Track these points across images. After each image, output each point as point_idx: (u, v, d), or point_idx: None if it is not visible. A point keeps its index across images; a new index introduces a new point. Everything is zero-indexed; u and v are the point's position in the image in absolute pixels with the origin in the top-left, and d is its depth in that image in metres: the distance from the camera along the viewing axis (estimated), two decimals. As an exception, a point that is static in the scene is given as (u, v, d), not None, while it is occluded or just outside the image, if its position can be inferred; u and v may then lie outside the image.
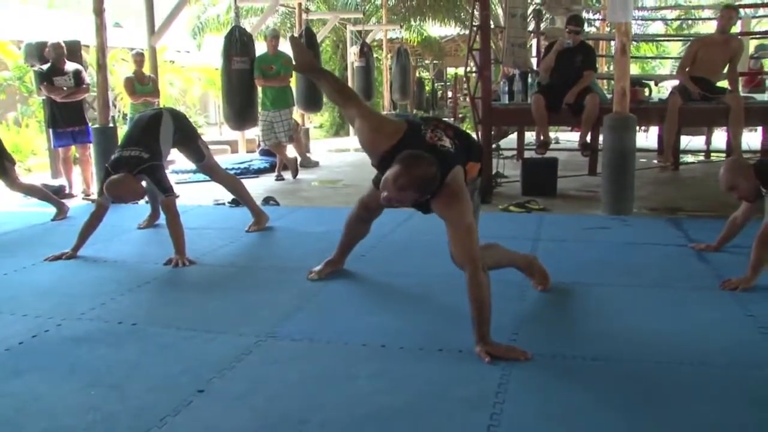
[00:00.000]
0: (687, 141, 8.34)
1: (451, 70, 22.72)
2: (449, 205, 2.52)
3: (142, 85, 7.43)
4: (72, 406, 2.13)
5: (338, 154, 10.88)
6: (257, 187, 6.86)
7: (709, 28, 11.17)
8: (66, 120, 6.63)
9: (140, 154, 3.94)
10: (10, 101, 12.25)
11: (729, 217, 3.78)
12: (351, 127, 14.10)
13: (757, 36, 10.62)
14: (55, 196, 5.64)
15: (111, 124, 6.60)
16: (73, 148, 6.87)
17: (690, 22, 16.02)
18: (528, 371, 2.33)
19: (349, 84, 14.34)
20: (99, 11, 6.38)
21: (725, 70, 6.07)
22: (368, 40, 14.48)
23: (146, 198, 4.78)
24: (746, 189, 3.32)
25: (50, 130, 6.88)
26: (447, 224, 2.54)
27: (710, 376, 2.29)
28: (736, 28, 7.47)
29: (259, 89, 7.64)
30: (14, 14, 14.36)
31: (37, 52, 7.31)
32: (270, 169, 8.10)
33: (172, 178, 4.91)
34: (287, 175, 7.65)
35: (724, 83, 6.16)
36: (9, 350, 2.60)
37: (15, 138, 10.18)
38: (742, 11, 7.96)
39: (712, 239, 3.88)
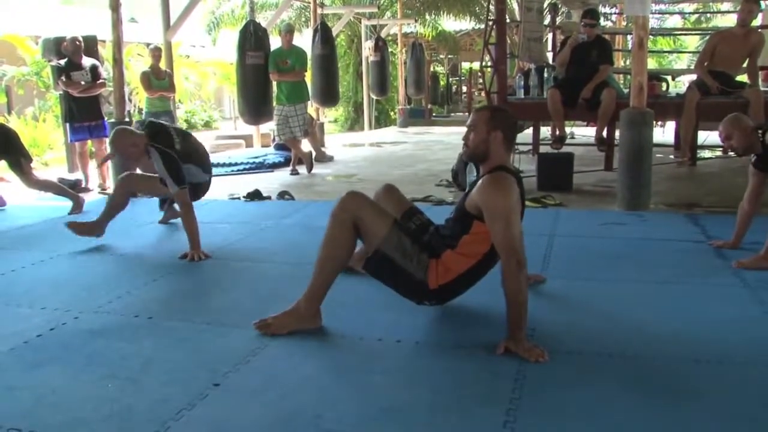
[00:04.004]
0: (705, 136, 8.25)
1: (465, 65, 22.66)
2: (488, 185, 2.49)
3: (158, 79, 7.47)
4: (89, 398, 2.14)
5: (353, 149, 10.88)
6: (272, 182, 6.88)
7: (728, 21, 11.02)
8: (82, 114, 6.69)
9: (175, 142, 4.02)
10: (28, 96, 12.38)
11: (742, 231, 3.79)
12: (366, 123, 13.96)
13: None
14: (71, 190, 5.68)
15: (127, 119, 6.64)
16: (89, 142, 6.93)
17: (708, 15, 15.83)
18: (544, 367, 2.31)
19: (364, 79, 14.36)
20: (115, 6, 6.42)
21: (745, 64, 6.00)
22: (383, 34, 14.46)
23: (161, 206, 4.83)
24: (739, 140, 3.47)
25: (67, 125, 6.94)
26: (484, 212, 2.48)
27: (728, 374, 2.27)
28: (757, 21, 7.37)
29: (274, 84, 7.65)
30: (31, 10, 14.47)
31: (55, 47, 7.38)
32: (285, 164, 8.11)
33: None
34: (302, 169, 7.66)
35: (743, 77, 6.09)
36: (27, 343, 2.62)
37: (32, 132, 10.28)
38: (763, 3, 7.84)
39: (730, 235, 3.84)
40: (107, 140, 4.98)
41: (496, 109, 2.76)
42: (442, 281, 2.62)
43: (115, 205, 4.29)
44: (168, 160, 3.94)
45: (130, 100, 11.08)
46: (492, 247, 2.53)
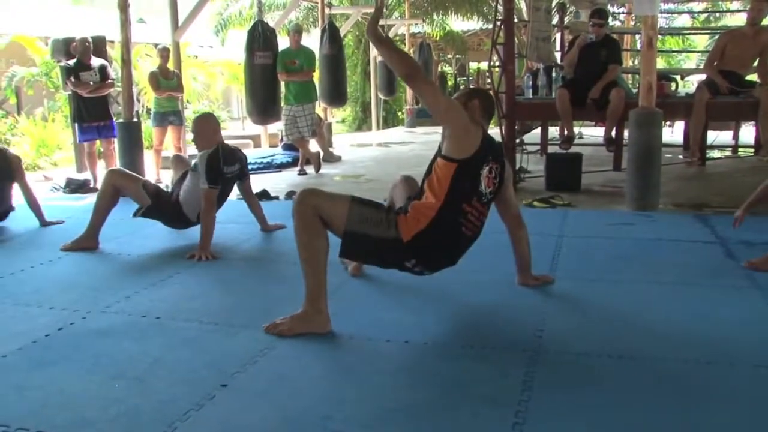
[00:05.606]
0: (714, 136, 8.21)
1: (473, 65, 22.61)
2: None
3: (166, 79, 7.48)
4: (96, 398, 2.14)
5: (360, 149, 10.88)
6: (280, 182, 6.89)
7: (738, 20, 10.96)
8: (91, 115, 6.71)
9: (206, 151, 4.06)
10: (38, 97, 12.42)
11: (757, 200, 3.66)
12: (374, 123, 13.84)
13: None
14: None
15: (135, 119, 6.65)
16: (97, 142, 6.95)
17: (717, 14, 15.75)
18: (553, 369, 2.30)
19: (372, 79, 14.34)
20: (123, 7, 6.44)
21: (755, 64, 5.96)
22: (391, 34, 14.44)
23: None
24: None
25: (75, 125, 6.97)
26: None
27: (738, 376, 2.25)
28: (767, 20, 7.32)
29: (282, 84, 7.65)
30: (41, 10, 14.53)
31: (64, 47, 7.40)
32: (293, 164, 8.11)
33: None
34: (310, 169, 7.66)
35: (753, 77, 6.05)
36: (36, 342, 2.62)
37: (41, 133, 10.32)
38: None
39: (738, 235, 3.82)
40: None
41: (475, 89, 3.15)
42: (415, 230, 2.60)
43: (100, 208, 4.17)
44: (211, 157, 3.99)
45: (139, 101, 11.10)
46: (453, 184, 2.59)
